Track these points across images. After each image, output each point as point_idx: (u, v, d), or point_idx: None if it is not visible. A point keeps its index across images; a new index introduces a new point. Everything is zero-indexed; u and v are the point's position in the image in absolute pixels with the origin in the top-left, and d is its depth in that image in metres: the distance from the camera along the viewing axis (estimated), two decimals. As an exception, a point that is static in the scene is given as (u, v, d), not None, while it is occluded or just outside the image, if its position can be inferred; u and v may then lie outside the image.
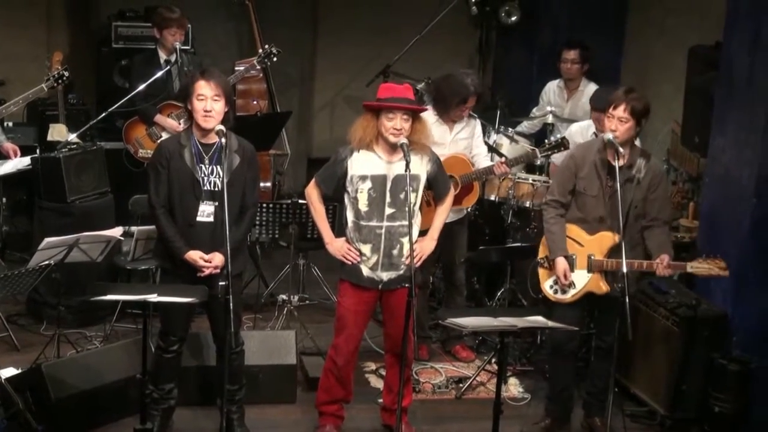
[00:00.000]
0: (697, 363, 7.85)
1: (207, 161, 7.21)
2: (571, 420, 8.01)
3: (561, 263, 7.48)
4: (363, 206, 7.33)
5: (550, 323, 7.01)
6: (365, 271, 7.41)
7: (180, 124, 9.58)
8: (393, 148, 7.26)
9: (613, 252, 7.40)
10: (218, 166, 7.16)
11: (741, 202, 7.92)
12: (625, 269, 7.12)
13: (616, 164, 7.23)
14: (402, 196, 7.25)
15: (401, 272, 7.37)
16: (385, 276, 7.40)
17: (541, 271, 7.73)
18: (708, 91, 8.72)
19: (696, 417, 7.81)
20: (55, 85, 9.39)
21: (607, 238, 7.46)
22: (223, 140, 7.04)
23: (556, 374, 7.96)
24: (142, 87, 9.70)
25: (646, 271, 7.60)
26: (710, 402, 7.72)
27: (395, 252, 7.36)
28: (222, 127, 7.09)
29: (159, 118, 9.81)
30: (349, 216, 7.43)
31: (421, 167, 7.35)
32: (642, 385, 8.32)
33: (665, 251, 7.41)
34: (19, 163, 9.41)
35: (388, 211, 7.30)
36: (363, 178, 7.31)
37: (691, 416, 7.85)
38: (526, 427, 7.84)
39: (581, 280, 7.53)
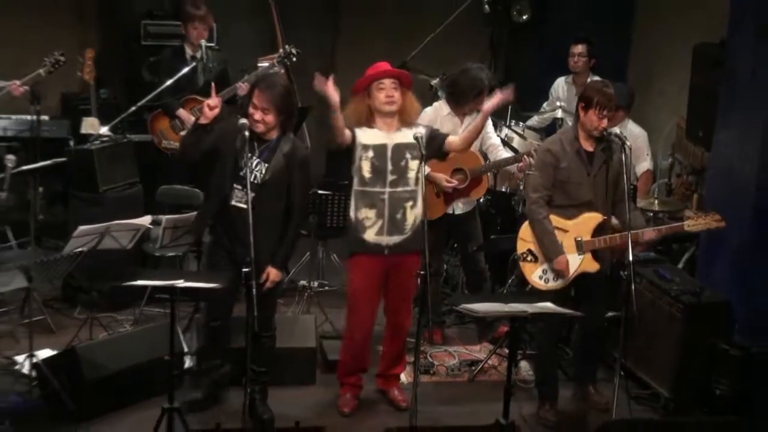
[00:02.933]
0: (699, 348, 7.85)
1: (257, 153, 7.35)
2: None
3: (563, 260, 7.56)
4: (366, 173, 7.53)
5: (560, 309, 7.04)
6: (370, 237, 7.56)
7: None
8: (390, 119, 7.51)
9: (598, 231, 7.55)
10: (264, 163, 7.35)
11: (743, 194, 7.93)
12: (631, 258, 7.16)
13: (626, 154, 7.44)
14: (403, 164, 7.46)
15: (406, 236, 7.51)
16: (391, 241, 7.53)
17: (525, 265, 7.74)
18: (712, 88, 8.71)
19: (698, 400, 7.82)
20: (52, 70, 9.47)
21: (592, 219, 7.59)
22: (246, 133, 7.22)
23: (548, 360, 8.04)
24: (170, 82, 9.76)
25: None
26: (712, 385, 7.74)
27: (398, 216, 7.51)
28: (245, 121, 7.25)
29: (181, 111, 9.88)
30: (355, 185, 7.61)
31: (420, 139, 7.45)
32: (646, 369, 8.32)
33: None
34: None
35: (390, 177, 7.50)
36: (366, 147, 7.52)
37: (693, 399, 7.86)
38: (537, 417, 7.88)
39: (573, 263, 7.60)
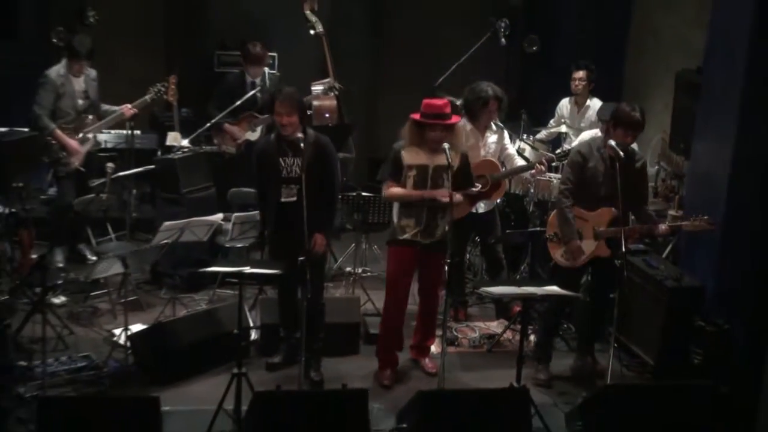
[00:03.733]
0: (680, 324, 7.82)
1: (290, 154, 7.45)
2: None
3: (575, 245, 7.65)
4: (410, 189, 7.51)
5: (563, 292, 7.14)
6: (407, 237, 7.57)
7: (253, 130, 10.03)
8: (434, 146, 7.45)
9: (612, 223, 7.59)
10: (297, 158, 7.43)
11: (717, 195, 7.91)
12: (623, 248, 7.19)
13: (618, 162, 7.48)
14: (440, 182, 7.43)
15: (436, 239, 7.49)
16: (425, 241, 7.54)
17: (551, 245, 7.88)
18: (691, 107, 8.70)
19: (679, 367, 7.78)
20: (155, 98, 9.79)
21: (607, 212, 7.63)
22: (300, 135, 7.40)
23: (550, 327, 8.11)
24: (239, 102, 9.98)
25: (645, 234, 7.86)
26: (690, 355, 7.71)
27: (432, 224, 7.52)
28: (300, 135, 7.39)
29: (226, 126, 10.16)
30: None
31: (454, 160, 7.43)
32: (636, 342, 8.31)
33: (658, 220, 7.87)
34: None
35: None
36: (410, 167, 7.50)
37: (674, 367, 7.82)
38: (532, 379, 7.85)
39: (589, 247, 7.67)
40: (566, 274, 7.65)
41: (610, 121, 7.71)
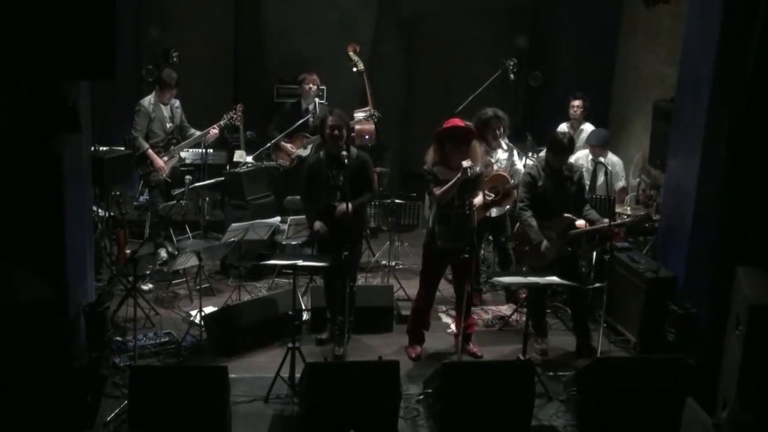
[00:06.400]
0: (656, 308, 7.79)
1: (335, 167, 7.49)
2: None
3: (545, 245, 7.69)
4: (440, 200, 7.46)
5: (561, 281, 7.21)
6: (439, 243, 7.51)
7: (305, 148, 10.01)
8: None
9: (568, 227, 7.70)
10: (341, 170, 7.47)
11: (686, 202, 7.87)
12: (609, 246, 7.21)
13: (607, 175, 7.88)
14: (466, 194, 7.35)
15: (463, 242, 7.33)
16: (452, 245, 7.46)
17: (520, 251, 8.08)
18: (665, 130, 8.70)
19: (655, 343, 7.76)
20: (229, 123, 9.78)
21: (563, 219, 7.70)
22: (344, 152, 7.42)
23: (540, 310, 8.06)
24: (299, 122, 10.05)
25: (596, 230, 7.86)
26: (665, 333, 7.68)
27: (460, 228, 7.39)
28: (345, 153, 7.39)
29: (281, 144, 10.12)
30: (435, 207, 7.57)
31: (474, 172, 7.44)
32: (622, 322, 8.29)
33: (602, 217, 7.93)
34: None
35: (457, 202, 7.40)
36: (440, 181, 7.44)
37: (652, 343, 7.80)
38: (532, 351, 7.80)
39: (552, 248, 7.70)
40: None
41: (548, 147, 7.86)
